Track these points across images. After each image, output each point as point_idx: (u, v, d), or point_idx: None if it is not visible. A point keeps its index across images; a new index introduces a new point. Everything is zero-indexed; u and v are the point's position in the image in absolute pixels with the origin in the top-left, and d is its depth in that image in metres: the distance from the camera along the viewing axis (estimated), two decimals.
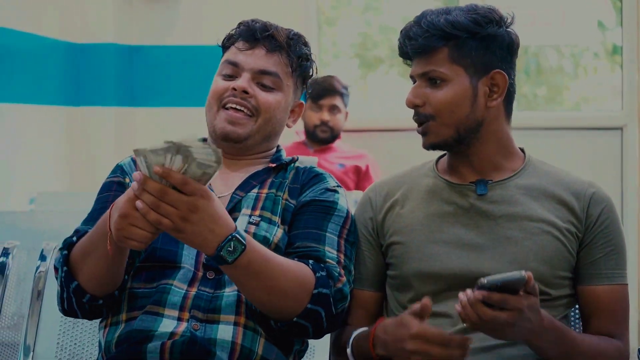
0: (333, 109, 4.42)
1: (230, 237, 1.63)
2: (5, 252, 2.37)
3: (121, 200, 1.62)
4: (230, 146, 1.94)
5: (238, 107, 1.92)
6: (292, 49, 1.95)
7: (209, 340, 1.75)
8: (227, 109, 1.92)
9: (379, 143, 4.72)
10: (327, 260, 1.82)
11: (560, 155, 4.30)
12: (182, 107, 4.65)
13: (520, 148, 1.95)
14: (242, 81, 1.92)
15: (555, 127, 4.74)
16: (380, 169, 4.43)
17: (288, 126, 2.01)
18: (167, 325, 1.75)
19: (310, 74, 2.01)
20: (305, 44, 1.99)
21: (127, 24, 4.72)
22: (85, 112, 4.57)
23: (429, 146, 1.88)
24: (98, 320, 1.91)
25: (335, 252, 1.84)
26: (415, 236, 1.87)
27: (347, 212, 1.92)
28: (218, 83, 1.95)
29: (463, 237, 1.84)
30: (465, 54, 1.83)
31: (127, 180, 1.93)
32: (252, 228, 1.84)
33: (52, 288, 2.16)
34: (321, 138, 4.42)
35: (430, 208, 1.89)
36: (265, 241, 1.80)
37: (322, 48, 5.16)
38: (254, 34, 1.94)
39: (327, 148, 4.45)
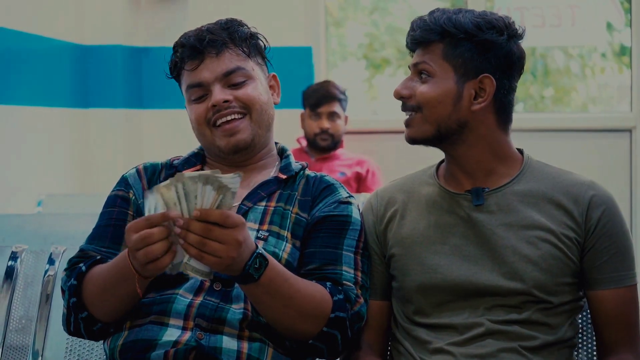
0: (332, 115, 4.40)
1: (255, 254, 1.64)
2: (14, 256, 2.37)
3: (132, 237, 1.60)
4: (242, 155, 1.93)
5: (228, 117, 1.90)
6: (235, 37, 1.94)
7: (214, 349, 1.74)
8: (219, 125, 1.91)
9: (386, 145, 4.71)
10: (345, 282, 1.82)
11: (568, 157, 4.29)
12: None
13: (518, 149, 1.92)
14: (217, 94, 1.90)
15: (562, 128, 4.72)
16: (385, 172, 4.42)
17: (276, 103, 1.99)
18: (171, 334, 1.75)
19: (263, 45, 1.99)
20: (241, 24, 1.97)
21: (135, 25, 4.73)
22: (94, 114, 4.58)
23: (409, 139, 1.88)
24: None
25: (352, 272, 1.84)
26: (416, 248, 1.86)
27: (361, 223, 1.92)
28: (195, 109, 1.94)
29: (463, 247, 1.83)
30: (458, 54, 1.82)
31: (131, 194, 1.92)
32: (260, 243, 1.82)
33: (60, 292, 2.16)
34: (322, 146, 4.41)
35: (431, 218, 1.88)
36: (274, 256, 1.77)
37: (329, 49, 5.16)
38: (196, 48, 1.92)
39: (328, 156, 4.44)
